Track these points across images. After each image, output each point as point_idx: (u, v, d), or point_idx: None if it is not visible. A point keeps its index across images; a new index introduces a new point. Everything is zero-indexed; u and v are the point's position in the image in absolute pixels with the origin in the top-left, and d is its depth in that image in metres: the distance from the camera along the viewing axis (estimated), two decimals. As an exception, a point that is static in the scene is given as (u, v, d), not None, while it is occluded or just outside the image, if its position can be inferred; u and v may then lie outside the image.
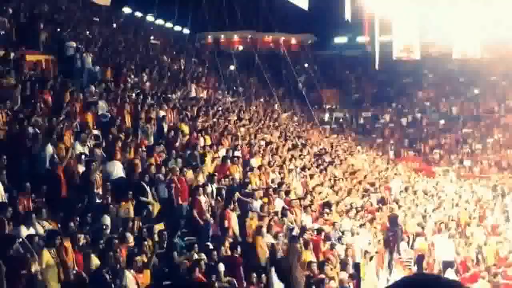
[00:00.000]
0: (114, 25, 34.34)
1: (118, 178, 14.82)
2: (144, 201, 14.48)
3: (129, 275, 10.71)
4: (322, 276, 13.73)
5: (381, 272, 17.76)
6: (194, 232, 15.12)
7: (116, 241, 11.54)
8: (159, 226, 13.87)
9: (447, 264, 18.71)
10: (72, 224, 11.62)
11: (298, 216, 17.57)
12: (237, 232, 15.41)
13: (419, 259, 19.86)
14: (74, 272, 10.71)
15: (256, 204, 16.63)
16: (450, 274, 17.12)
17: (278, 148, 24.75)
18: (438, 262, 19.42)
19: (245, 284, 12.77)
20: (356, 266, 16.60)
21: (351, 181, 25.16)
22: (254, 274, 12.82)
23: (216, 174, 17.65)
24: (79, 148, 14.90)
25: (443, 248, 19.41)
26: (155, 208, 14.82)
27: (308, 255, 14.63)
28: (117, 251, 11.27)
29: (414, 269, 19.58)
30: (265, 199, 17.18)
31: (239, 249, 13.69)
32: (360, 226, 18.57)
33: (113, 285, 10.45)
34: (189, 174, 16.91)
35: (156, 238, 12.92)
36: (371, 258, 17.38)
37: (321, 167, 24.88)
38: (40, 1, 26.42)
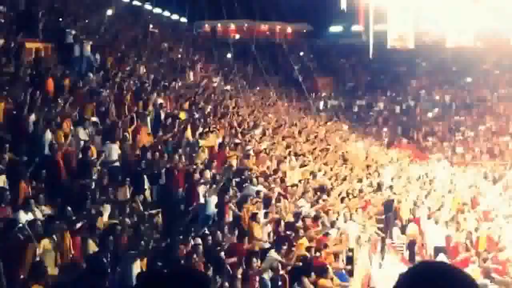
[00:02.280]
0: (113, 12, 34.40)
1: (114, 167, 15.09)
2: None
3: (137, 262, 10.89)
4: (320, 261, 13.99)
5: (374, 257, 18.04)
6: (191, 218, 15.40)
7: (119, 227, 11.77)
8: (156, 213, 14.16)
9: (439, 250, 19.01)
10: (69, 208, 11.85)
11: (292, 202, 17.86)
12: (233, 217, 15.71)
13: (411, 245, 20.16)
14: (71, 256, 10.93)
15: (252, 190, 16.92)
16: (441, 259, 17.38)
17: (274, 136, 25.02)
18: (430, 247, 19.76)
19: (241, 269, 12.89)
20: (350, 251, 16.97)
21: (345, 167, 25.47)
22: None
23: (213, 161, 17.94)
24: (77, 135, 15.16)
25: (435, 233, 19.69)
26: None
27: (304, 242, 14.90)
28: (115, 236, 11.48)
29: (406, 254, 19.90)
30: (261, 185, 17.47)
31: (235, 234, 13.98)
32: (353, 213, 18.85)
33: (108, 269, 10.65)
34: (187, 161, 17.20)
35: (153, 224, 13.19)
36: (368, 241, 17.63)
37: (316, 154, 25.17)
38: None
